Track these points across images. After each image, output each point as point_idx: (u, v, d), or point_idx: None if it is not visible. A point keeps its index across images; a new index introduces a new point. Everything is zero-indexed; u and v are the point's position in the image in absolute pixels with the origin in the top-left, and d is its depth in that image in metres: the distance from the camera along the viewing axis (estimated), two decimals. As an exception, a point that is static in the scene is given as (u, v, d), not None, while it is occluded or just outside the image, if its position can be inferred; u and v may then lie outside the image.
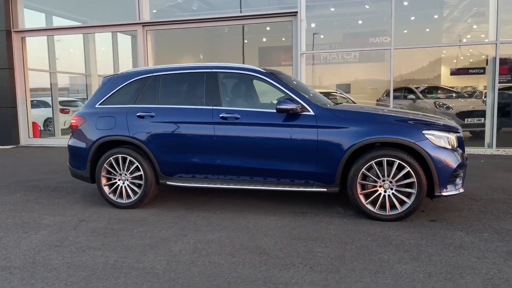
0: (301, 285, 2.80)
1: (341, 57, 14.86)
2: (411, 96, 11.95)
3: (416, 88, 12.33)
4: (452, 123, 4.50)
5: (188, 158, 4.58)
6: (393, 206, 4.04)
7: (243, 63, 18.55)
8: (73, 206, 4.96)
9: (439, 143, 3.97)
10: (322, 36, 14.49)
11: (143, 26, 10.28)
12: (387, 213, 4.05)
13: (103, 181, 4.81)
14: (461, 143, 4.23)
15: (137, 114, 4.69)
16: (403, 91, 12.63)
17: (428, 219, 4.12)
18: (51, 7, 12.25)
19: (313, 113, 4.23)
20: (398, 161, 3.96)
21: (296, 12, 9.13)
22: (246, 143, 4.39)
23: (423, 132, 3.98)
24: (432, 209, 4.44)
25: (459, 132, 4.24)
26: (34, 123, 11.90)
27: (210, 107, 4.51)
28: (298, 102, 4.25)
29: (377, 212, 4.07)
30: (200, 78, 4.66)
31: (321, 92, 13.42)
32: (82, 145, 4.90)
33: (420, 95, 11.90)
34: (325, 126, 4.17)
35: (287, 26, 14.68)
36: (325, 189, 4.24)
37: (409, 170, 3.94)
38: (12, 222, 4.38)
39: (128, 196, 4.75)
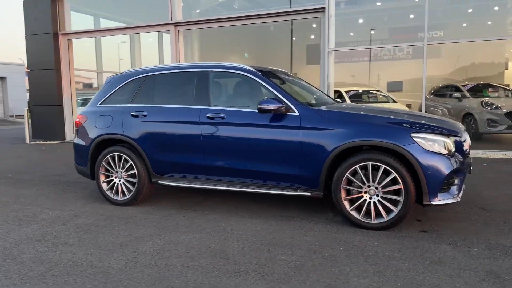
0: (242, 294, 2.68)
1: (393, 53, 14.27)
2: (456, 94, 11.16)
3: (463, 86, 11.50)
4: (453, 125, 4.11)
5: (177, 157, 4.58)
6: (379, 214, 3.77)
7: (291, 61, 18.39)
8: (77, 201, 5.15)
9: (431, 148, 3.64)
10: (369, 32, 13.99)
11: (175, 26, 10.47)
12: (372, 221, 3.78)
13: (102, 178, 4.95)
14: (460, 148, 3.84)
15: (131, 113, 4.77)
16: (449, 89, 11.84)
17: (419, 230, 3.79)
18: (96, 9, 12.86)
19: (298, 114, 4.05)
20: (383, 166, 3.68)
21: (324, 8, 8.84)
22: (232, 144, 4.31)
23: (411, 135, 3.66)
24: (430, 219, 4.09)
25: (458, 136, 3.86)
26: (79, 120, 12.55)
27: (198, 107, 4.47)
28: (283, 102, 4.08)
29: (361, 219, 3.82)
30: (192, 77, 4.64)
31: (364, 91, 12.99)
32: (84, 142, 5.07)
33: (467, 94, 11.06)
34: (308, 128, 3.98)
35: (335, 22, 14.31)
36: (309, 193, 4.05)
37: (395, 176, 3.65)
38: (14, 215, 4.62)
39: (124, 194, 4.85)
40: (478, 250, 3.29)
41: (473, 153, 8.02)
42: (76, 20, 12.70)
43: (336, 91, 12.45)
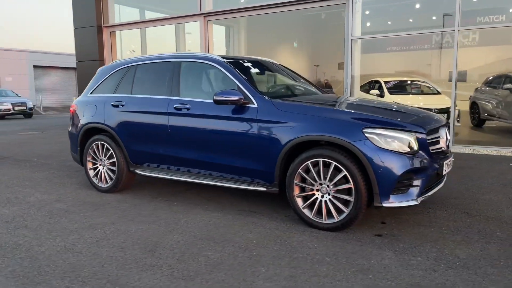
0: (138, 288, 2.64)
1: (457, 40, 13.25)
2: (509, 85, 10.12)
3: (518, 76, 10.38)
4: (421, 120, 3.69)
5: (150, 147, 4.61)
6: (331, 214, 3.52)
7: (343, 50, 17.74)
8: (70, 187, 5.39)
9: (385, 144, 3.31)
10: (410, 20, 13.14)
11: (204, 16, 10.52)
12: (323, 221, 3.55)
13: (89, 165, 5.14)
14: (424, 146, 3.45)
15: (112, 103, 4.88)
16: (502, 79, 10.77)
17: (375, 233, 3.49)
18: (138, 1, 13.29)
19: (256, 106, 3.89)
20: (334, 163, 3.42)
21: (348, -7, 8.39)
22: (197, 135, 4.25)
23: (364, 130, 3.36)
24: (398, 222, 3.75)
25: (422, 133, 3.47)
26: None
27: (168, 97, 4.45)
28: (243, 93, 3.93)
29: (313, 218, 3.60)
30: (166, 68, 4.63)
31: (406, 81, 12.20)
32: (74, 130, 5.29)
33: (519, 85, 9.98)
34: (264, 121, 3.80)
35: (388, 9, 13.60)
36: (265, 189, 3.88)
37: (346, 174, 3.38)
38: (7, 197, 4.95)
39: (106, 181, 5.00)
40: (422, 260, 2.95)
41: (509, 151, 7.22)
42: (124, 12, 13.25)
43: (376, 82, 11.87)
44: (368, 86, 12.35)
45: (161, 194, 4.93)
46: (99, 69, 5.44)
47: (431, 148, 3.53)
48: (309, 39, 18.17)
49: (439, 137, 3.67)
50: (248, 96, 3.93)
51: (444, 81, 12.56)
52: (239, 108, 3.95)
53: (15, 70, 29.69)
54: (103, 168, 5.02)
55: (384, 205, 3.30)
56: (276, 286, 2.61)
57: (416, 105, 10.00)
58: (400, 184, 3.30)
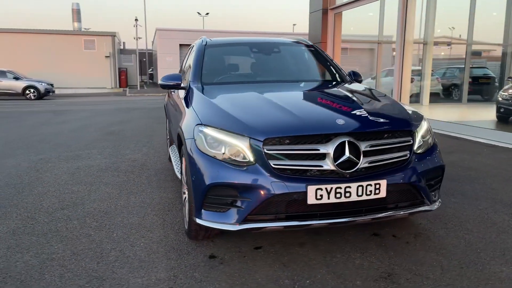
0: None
1: None
2: None
3: None
4: (279, 123, 2.62)
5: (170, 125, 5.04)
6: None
7: None
8: (161, 152, 6.43)
9: (208, 147, 2.64)
10: None
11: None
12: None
13: (167, 137, 6.04)
14: (261, 157, 2.48)
15: (169, 84, 5.52)
16: None
17: (213, 254, 2.84)
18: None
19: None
20: (189, 162, 2.99)
21: None
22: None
23: (195, 127, 2.78)
24: (285, 244, 2.86)
25: (258, 140, 2.50)
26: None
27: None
28: (185, 79, 3.84)
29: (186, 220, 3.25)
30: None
31: None
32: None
33: None
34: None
35: None
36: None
37: (187, 178, 2.92)
38: (119, 153, 6.44)
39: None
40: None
41: None
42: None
43: None
44: None
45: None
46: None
47: (285, 163, 2.50)
48: None
49: (318, 149, 2.51)
50: (189, 82, 3.80)
51: None
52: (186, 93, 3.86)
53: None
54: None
55: (198, 221, 2.67)
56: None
57: None
58: (214, 199, 2.57)
